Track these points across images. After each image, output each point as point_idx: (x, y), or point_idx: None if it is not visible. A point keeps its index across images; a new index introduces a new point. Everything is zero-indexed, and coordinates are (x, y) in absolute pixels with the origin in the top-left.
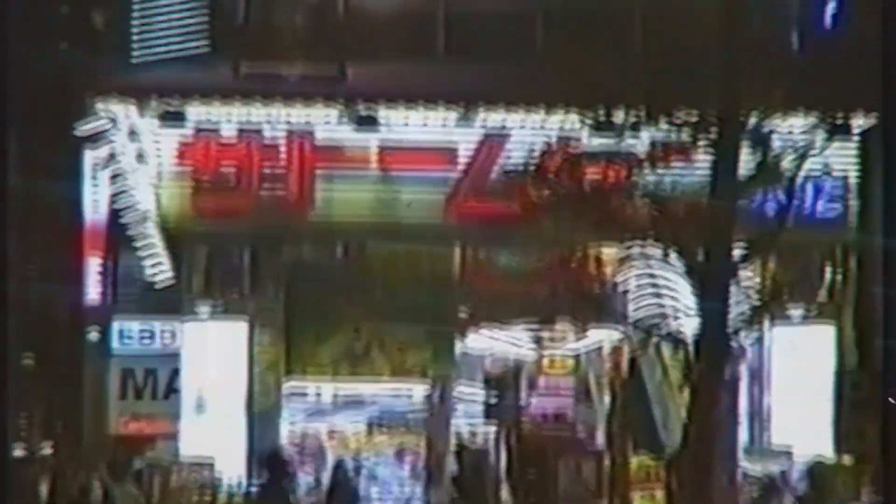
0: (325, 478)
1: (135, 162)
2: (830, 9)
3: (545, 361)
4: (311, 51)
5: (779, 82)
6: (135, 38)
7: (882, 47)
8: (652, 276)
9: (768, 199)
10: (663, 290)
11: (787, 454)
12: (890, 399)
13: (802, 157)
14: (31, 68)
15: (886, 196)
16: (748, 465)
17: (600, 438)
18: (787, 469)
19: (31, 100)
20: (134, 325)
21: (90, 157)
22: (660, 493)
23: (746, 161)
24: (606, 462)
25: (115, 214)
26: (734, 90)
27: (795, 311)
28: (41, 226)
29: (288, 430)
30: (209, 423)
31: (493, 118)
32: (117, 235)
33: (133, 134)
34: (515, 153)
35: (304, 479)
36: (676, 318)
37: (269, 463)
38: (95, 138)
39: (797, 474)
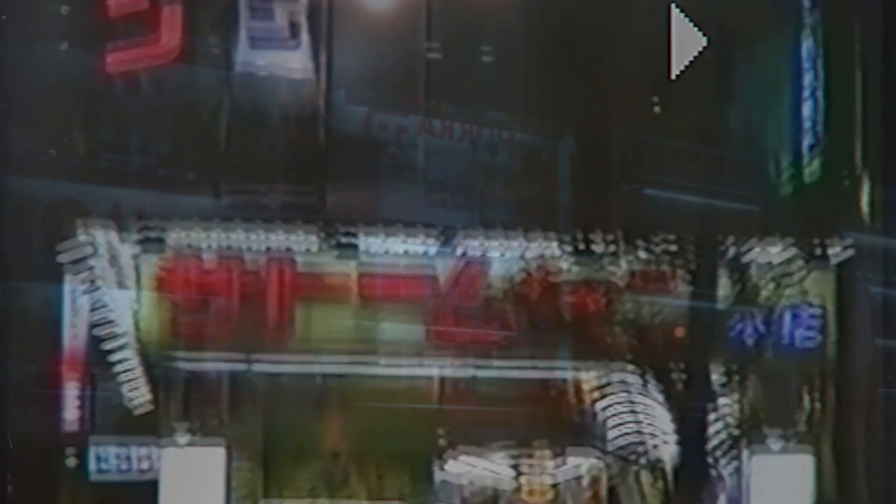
0: None
1: (114, 287)
2: (808, 139)
3: (524, 488)
4: (292, 176)
5: (757, 211)
6: (115, 160)
7: None
8: (631, 402)
9: (746, 327)
10: (642, 417)
11: None
12: None
13: (780, 285)
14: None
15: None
16: None
17: None
18: None
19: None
20: (111, 451)
21: (70, 282)
22: None
23: (724, 289)
24: None
25: (94, 340)
26: (712, 218)
27: (774, 440)
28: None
29: None
30: None
31: (472, 244)
32: (96, 360)
33: (113, 259)
34: (495, 280)
35: None
36: (655, 445)
37: None
38: (76, 264)
39: None
